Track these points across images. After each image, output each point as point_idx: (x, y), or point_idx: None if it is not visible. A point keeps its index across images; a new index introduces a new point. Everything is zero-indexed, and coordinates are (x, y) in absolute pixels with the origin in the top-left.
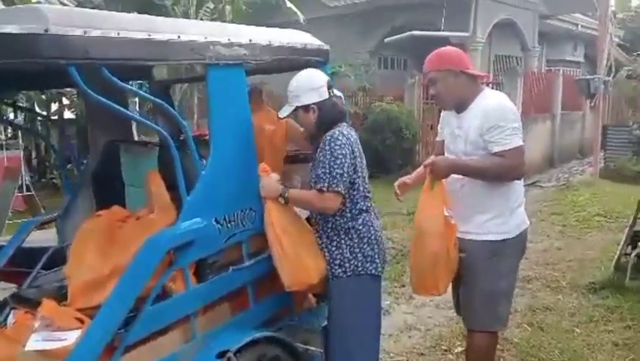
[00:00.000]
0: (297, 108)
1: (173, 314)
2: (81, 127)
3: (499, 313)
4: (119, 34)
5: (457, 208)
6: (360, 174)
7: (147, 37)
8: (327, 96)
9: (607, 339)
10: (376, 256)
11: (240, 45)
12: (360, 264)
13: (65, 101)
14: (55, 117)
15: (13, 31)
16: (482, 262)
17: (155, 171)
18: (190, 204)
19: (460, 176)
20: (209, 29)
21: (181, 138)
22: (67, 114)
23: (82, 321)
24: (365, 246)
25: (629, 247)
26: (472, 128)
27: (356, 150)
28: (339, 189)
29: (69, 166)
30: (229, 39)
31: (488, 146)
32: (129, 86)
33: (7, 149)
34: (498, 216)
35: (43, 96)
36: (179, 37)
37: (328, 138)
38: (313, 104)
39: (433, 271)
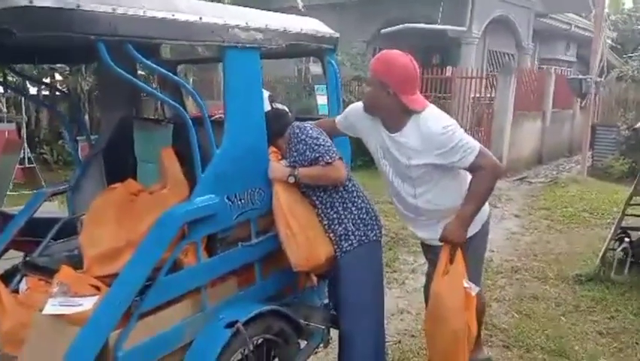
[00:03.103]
0: None
1: (185, 285)
2: (73, 103)
3: None
4: (144, 12)
5: (417, 225)
6: None
7: (172, 17)
8: (269, 108)
9: (592, 328)
10: (374, 223)
11: (257, 29)
12: (363, 233)
13: (58, 77)
14: (66, 91)
15: (47, 5)
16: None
17: (169, 147)
18: (204, 180)
19: (413, 202)
20: (228, 13)
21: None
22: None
23: (98, 288)
24: (364, 215)
25: (616, 242)
26: (416, 154)
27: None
28: (340, 156)
29: (60, 142)
30: (247, 23)
31: (456, 165)
32: (150, 63)
33: (9, 121)
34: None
35: (35, 71)
36: (200, 18)
37: (296, 131)
38: None
39: (455, 351)
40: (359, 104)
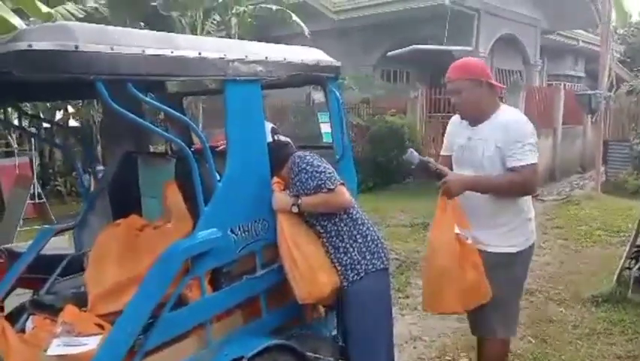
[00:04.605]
0: None
1: (190, 321)
2: (86, 135)
3: (511, 321)
4: (143, 51)
5: (474, 221)
6: None
7: (170, 54)
8: (270, 140)
9: (609, 352)
10: (381, 251)
11: (257, 62)
12: (369, 262)
13: (70, 109)
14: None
15: (46, 48)
16: (496, 273)
17: (172, 181)
18: (207, 214)
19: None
20: (228, 46)
21: (192, 149)
22: (72, 122)
23: (102, 327)
24: (370, 243)
25: (632, 261)
26: (490, 142)
27: None
28: (342, 182)
29: (73, 174)
30: (246, 56)
31: (508, 158)
32: (151, 100)
33: (18, 155)
34: (513, 230)
35: (48, 104)
36: (200, 54)
37: (297, 160)
38: None
39: (439, 285)
40: (450, 127)
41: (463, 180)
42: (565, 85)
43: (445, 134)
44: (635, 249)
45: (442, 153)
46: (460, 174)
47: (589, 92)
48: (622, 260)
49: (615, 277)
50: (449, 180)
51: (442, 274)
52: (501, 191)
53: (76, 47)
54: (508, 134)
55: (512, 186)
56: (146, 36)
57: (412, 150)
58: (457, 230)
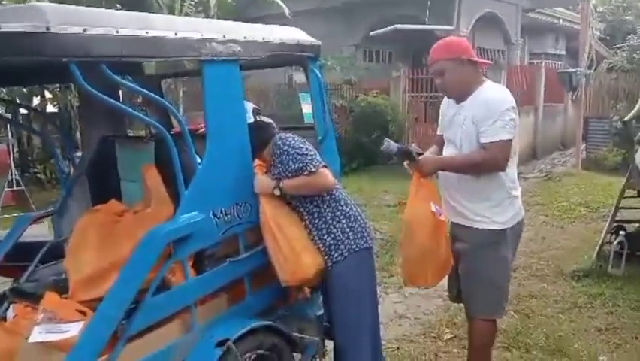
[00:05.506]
0: None
1: (173, 305)
2: (64, 121)
3: (500, 300)
4: (117, 31)
5: (457, 199)
6: None
7: (145, 34)
8: (252, 120)
9: (591, 325)
10: (364, 230)
11: (235, 42)
12: (353, 242)
13: (48, 94)
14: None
15: (16, 30)
16: (483, 251)
17: (151, 165)
18: (188, 197)
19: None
20: (205, 26)
21: (172, 133)
22: (50, 108)
23: (84, 313)
24: (353, 223)
25: (612, 235)
26: (468, 119)
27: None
28: (325, 164)
29: (52, 160)
30: (224, 36)
31: (480, 133)
32: (128, 83)
33: None
34: (497, 206)
35: (24, 90)
36: (175, 34)
37: (278, 142)
38: None
39: (421, 262)
40: (443, 101)
41: (435, 159)
42: (546, 63)
43: (440, 113)
44: (615, 224)
45: (438, 132)
46: (433, 155)
47: (570, 70)
48: (602, 235)
49: (596, 252)
50: (421, 160)
51: (423, 251)
52: (473, 169)
53: (48, 28)
54: (486, 111)
55: (483, 163)
56: (120, 16)
57: (387, 140)
58: (432, 207)
